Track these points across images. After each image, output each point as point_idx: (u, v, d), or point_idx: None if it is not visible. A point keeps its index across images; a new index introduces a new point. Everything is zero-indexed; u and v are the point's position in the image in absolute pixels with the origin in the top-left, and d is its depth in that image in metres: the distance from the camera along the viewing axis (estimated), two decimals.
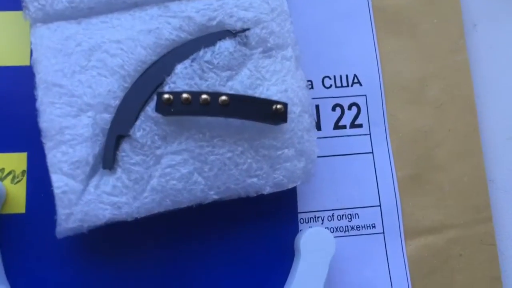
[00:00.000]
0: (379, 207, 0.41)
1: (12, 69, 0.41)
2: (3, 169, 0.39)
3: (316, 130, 0.37)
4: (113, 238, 0.38)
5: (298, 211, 0.40)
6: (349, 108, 0.43)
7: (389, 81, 0.43)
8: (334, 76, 0.43)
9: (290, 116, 0.35)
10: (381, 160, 0.42)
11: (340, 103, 0.43)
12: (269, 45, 0.36)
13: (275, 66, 0.36)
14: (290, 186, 0.36)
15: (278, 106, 0.34)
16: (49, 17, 0.37)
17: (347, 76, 0.43)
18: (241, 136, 0.35)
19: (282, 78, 0.36)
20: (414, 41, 0.44)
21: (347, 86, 0.43)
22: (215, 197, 0.35)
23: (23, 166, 0.39)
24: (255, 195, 0.36)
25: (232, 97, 0.33)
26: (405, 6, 0.44)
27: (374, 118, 0.43)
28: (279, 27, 0.36)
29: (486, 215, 0.41)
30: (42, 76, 0.35)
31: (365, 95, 0.43)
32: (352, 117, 0.43)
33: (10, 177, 0.39)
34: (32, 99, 0.36)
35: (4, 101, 0.40)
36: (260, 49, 0.36)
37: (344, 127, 0.42)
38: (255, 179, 0.35)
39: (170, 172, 0.35)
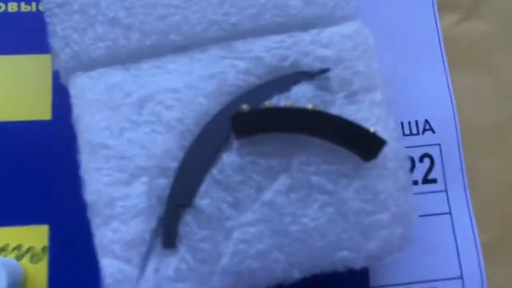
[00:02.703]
0: (461, 279, 0.36)
1: (30, 124, 0.35)
2: (20, 246, 0.34)
3: (413, 188, 0.31)
4: None
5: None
6: (421, 160, 0.38)
7: (467, 127, 0.38)
8: (402, 123, 0.38)
9: (383, 173, 0.30)
10: (461, 222, 0.37)
11: (410, 154, 0.38)
12: (354, 88, 0.31)
13: (362, 113, 0.30)
14: (386, 258, 0.30)
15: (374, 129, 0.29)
16: (83, 66, 0.31)
17: (416, 122, 0.38)
18: (326, 200, 0.29)
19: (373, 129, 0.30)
20: (492, 77, 0.39)
21: (417, 134, 0.38)
22: (298, 275, 0.29)
23: (44, 241, 0.34)
24: (344, 270, 0.30)
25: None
26: (479, 35, 0.40)
27: (451, 172, 0.38)
28: (365, 66, 0.31)
29: None
30: (85, 136, 0.29)
31: (439, 144, 0.38)
32: (425, 170, 0.38)
33: (28, 255, 0.34)
34: (55, 159, 0.33)
35: (21, 162, 0.35)
36: (343, 94, 0.30)
37: (415, 183, 0.37)
38: (345, 252, 0.29)
39: (244, 248, 0.28)
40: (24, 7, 0.37)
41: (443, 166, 0.38)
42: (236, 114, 0.28)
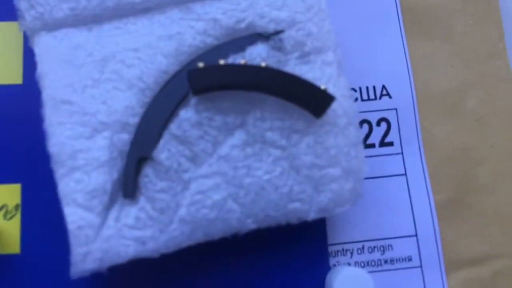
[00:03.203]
0: (416, 236, 0.37)
1: (2, 88, 0.36)
2: None
3: (363, 144, 0.33)
4: (132, 277, 0.33)
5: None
6: (378, 124, 0.38)
7: (422, 92, 0.39)
8: (360, 88, 0.39)
9: (334, 129, 0.31)
10: (415, 183, 0.37)
11: (368, 118, 0.38)
12: (306, 49, 0.32)
13: (314, 73, 0.31)
14: (337, 211, 0.31)
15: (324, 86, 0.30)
16: (48, 27, 0.32)
17: (374, 87, 0.39)
18: (280, 154, 0.31)
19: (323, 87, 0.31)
20: (448, 45, 0.40)
21: (375, 99, 0.39)
22: (253, 226, 0.31)
23: (17, 199, 0.35)
24: (297, 222, 0.31)
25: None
26: (437, 4, 0.40)
27: (407, 135, 0.38)
28: (317, 27, 0.32)
29: None
30: (49, 92, 0.30)
31: (396, 109, 0.38)
32: (382, 134, 0.38)
33: (1, 212, 0.34)
34: (27, 121, 0.33)
35: None
36: (296, 54, 0.32)
37: (372, 145, 0.38)
38: (298, 204, 0.31)
39: (200, 199, 0.30)
40: None
41: (399, 130, 0.38)
42: (191, 70, 0.29)
